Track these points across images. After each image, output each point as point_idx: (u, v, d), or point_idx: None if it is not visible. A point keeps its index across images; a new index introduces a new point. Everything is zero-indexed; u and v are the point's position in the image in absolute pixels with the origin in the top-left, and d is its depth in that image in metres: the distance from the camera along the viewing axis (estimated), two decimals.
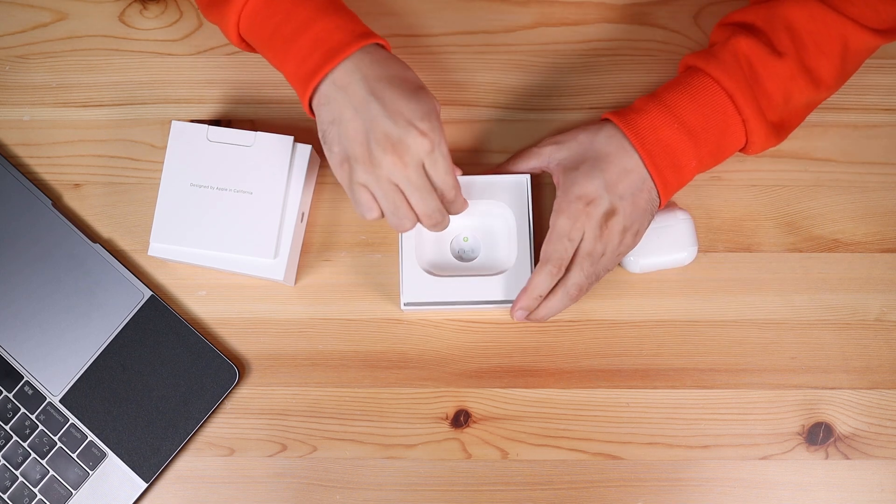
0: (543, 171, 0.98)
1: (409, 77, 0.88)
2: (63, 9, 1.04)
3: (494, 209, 0.97)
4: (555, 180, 0.95)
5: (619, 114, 0.93)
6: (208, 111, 1.02)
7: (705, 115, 0.91)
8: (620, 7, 1.03)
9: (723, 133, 0.92)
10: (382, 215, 0.88)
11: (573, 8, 1.03)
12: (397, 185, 0.86)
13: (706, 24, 1.02)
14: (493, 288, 0.95)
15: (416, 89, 0.87)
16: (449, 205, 0.90)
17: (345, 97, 0.86)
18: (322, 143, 0.88)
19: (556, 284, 0.92)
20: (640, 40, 1.02)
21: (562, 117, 1.01)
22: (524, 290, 0.93)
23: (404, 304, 0.95)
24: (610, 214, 0.91)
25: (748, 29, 0.92)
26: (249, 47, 0.94)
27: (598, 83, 1.02)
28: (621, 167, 0.91)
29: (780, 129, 0.94)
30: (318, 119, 0.88)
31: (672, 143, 0.91)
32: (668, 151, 0.91)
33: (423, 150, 0.85)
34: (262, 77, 1.02)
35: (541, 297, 0.92)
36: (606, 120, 0.94)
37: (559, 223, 0.91)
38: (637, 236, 0.93)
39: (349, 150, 0.86)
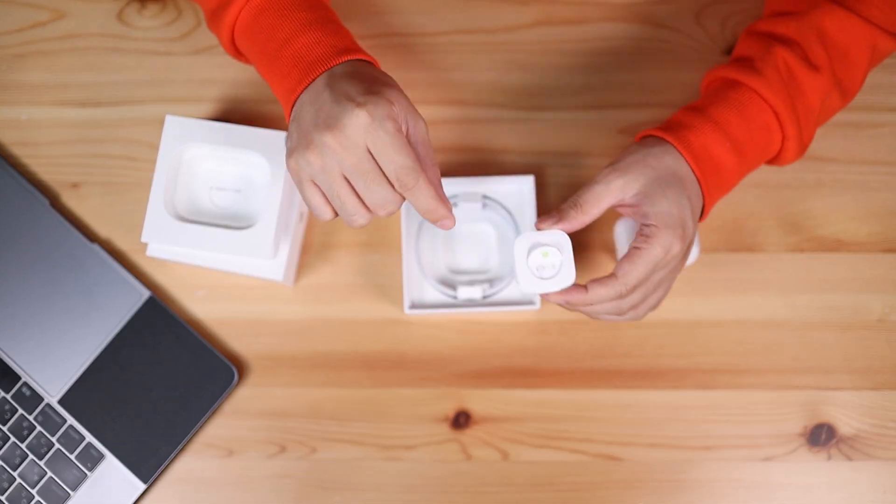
0: (618, 207, 0.87)
1: (381, 77, 0.79)
2: (61, 7, 1.03)
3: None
4: (631, 212, 0.86)
5: (671, 131, 0.86)
6: (207, 110, 1.01)
7: (751, 131, 0.87)
8: (622, 6, 1.03)
9: (763, 151, 0.89)
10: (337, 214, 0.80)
11: (574, 7, 1.03)
12: (343, 175, 0.77)
13: (707, 23, 1.02)
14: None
15: (382, 83, 0.78)
16: (406, 192, 0.77)
17: (308, 97, 0.80)
18: None
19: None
20: (641, 39, 1.02)
21: (562, 117, 1.01)
22: (579, 291, 0.84)
23: (408, 308, 0.96)
24: (691, 242, 0.86)
25: (783, 41, 0.89)
26: (248, 60, 0.92)
27: (600, 82, 1.01)
28: (695, 191, 0.86)
29: (807, 146, 0.91)
30: None
31: (721, 162, 0.87)
32: (717, 170, 0.87)
33: (360, 125, 0.75)
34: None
35: (590, 305, 0.85)
36: (659, 138, 0.87)
37: (655, 251, 0.83)
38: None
39: (296, 141, 0.78)
